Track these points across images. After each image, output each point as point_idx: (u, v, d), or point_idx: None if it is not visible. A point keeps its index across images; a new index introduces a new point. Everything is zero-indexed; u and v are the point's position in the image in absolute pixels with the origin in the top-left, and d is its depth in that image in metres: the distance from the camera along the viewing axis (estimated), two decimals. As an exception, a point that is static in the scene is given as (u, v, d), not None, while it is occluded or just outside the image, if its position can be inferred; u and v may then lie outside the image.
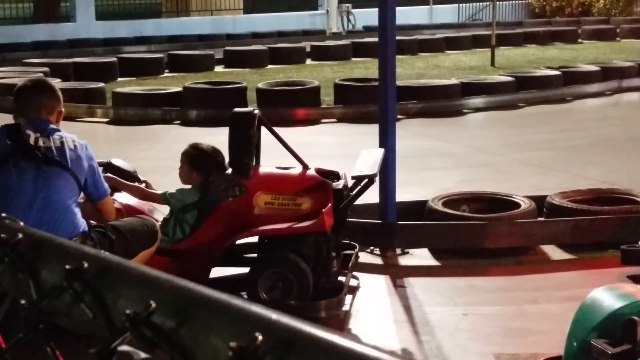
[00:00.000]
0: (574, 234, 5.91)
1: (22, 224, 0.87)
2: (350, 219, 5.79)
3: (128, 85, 14.02)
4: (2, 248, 0.78)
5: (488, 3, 23.17)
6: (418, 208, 6.34)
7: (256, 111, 4.90)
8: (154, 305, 0.67)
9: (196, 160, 4.86)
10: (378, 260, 5.86)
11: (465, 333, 4.63)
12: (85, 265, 0.73)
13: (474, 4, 29.65)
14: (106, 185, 4.26)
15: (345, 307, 4.87)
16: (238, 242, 4.90)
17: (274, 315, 0.64)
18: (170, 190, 4.81)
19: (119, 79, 15.49)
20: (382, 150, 5.62)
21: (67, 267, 0.73)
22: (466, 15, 29.58)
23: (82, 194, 4.13)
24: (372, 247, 5.98)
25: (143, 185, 4.88)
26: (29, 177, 3.93)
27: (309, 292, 4.62)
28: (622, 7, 29.27)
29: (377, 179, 4.99)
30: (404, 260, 5.87)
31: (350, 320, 4.82)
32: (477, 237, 5.88)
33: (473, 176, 8.16)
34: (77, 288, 0.73)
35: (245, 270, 4.87)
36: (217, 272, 4.98)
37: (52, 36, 21.18)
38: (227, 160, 4.86)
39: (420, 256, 5.93)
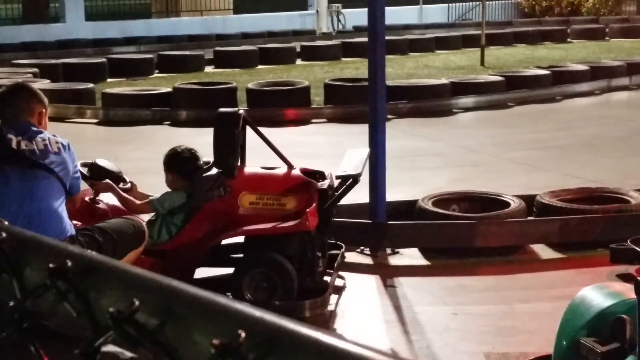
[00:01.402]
0: (564, 233, 5.92)
1: (6, 223, 0.87)
2: (340, 219, 5.80)
3: (118, 86, 13.98)
4: (-14, 247, 0.77)
5: (477, 3, 23.21)
6: (408, 208, 6.35)
7: (241, 111, 4.90)
8: (137, 303, 0.67)
9: (169, 161, 4.88)
10: (368, 260, 5.86)
11: (455, 332, 4.64)
12: (69, 263, 0.73)
13: (464, 3, 29.69)
14: (79, 183, 4.25)
15: (331, 307, 4.87)
16: (223, 242, 4.91)
17: (257, 313, 0.64)
18: (157, 196, 4.81)
19: (109, 80, 15.46)
20: (367, 150, 5.63)
21: (51, 265, 0.73)
22: (456, 15, 29.62)
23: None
24: (362, 247, 5.98)
25: (128, 186, 4.87)
26: (14, 182, 3.89)
27: (294, 292, 4.63)
28: (611, 6, 29.36)
29: (361, 178, 5.01)
30: (394, 260, 5.87)
31: (339, 320, 4.82)
32: (467, 236, 5.89)
33: (463, 176, 8.17)
34: (60, 287, 0.73)
35: (231, 270, 4.87)
36: (202, 272, 4.98)
37: (42, 37, 21.11)
38: (211, 160, 4.86)
39: (410, 256, 5.93)
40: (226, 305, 0.66)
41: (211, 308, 0.67)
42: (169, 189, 4.91)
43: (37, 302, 0.76)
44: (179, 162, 4.87)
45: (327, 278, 4.98)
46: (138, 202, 4.76)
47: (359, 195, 6.09)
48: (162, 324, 0.68)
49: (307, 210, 4.60)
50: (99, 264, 0.75)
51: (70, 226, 4.03)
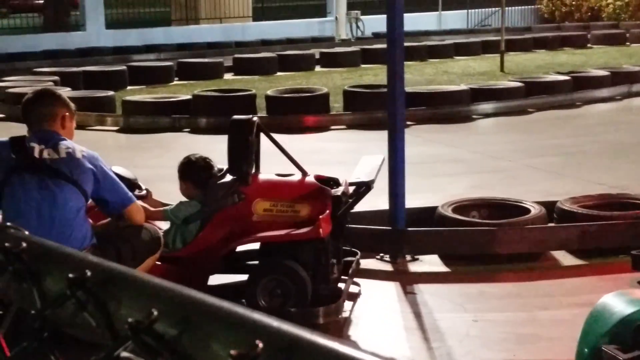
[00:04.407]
0: (584, 239, 5.88)
1: (26, 232, 0.87)
2: (359, 225, 5.80)
3: (138, 94, 14.05)
4: (7, 257, 0.78)
5: (497, 9, 23.17)
6: (428, 214, 6.33)
7: (255, 118, 4.91)
8: (155, 313, 0.67)
9: (184, 171, 4.91)
10: (387, 267, 5.85)
11: (476, 339, 4.61)
12: (88, 273, 0.73)
13: (483, 9, 29.63)
14: (129, 193, 4.24)
15: (346, 314, 4.86)
16: (238, 249, 4.93)
17: (274, 323, 0.64)
18: (171, 207, 4.84)
19: (129, 87, 15.53)
20: (382, 156, 5.62)
21: (70, 275, 0.73)
22: (475, 21, 29.56)
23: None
24: (381, 254, 5.97)
25: (144, 193, 4.89)
26: (34, 191, 3.91)
27: (307, 298, 4.63)
28: (632, 11, 29.18)
29: (374, 185, 5.01)
30: (413, 267, 5.86)
31: (353, 327, 4.80)
32: (487, 243, 5.86)
33: (483, 182, 8.15)
34: (80, 296, 0.73)
35: (245, 277, 4.88)
36: (217, 279, 4.99)
37: (62, 45, 21.25)
38: (225, 167, 4.88)
39: (430, 262, 5.91)
40: (244, 315, 0.66)
41: (229, 318, 0.67)
42: (184, 197, 4.94)
43: (57, 311, 0.77)
44: (193, 172, 4.89)
45: (342, 285, 4.98)
46: (152, 209, 4.78)
47: (378, 202, 6.09)
48: (180, 333, 0.68)
49: (320, 217, 4.60)
50: (118, 274, 0.75)
51: (91, 234, 4.05)
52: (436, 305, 5.10)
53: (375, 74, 16.67)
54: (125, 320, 0.69)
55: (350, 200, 4.97)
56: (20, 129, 4.36)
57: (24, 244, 0.81)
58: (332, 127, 11.74)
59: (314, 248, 4.72)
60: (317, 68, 18.90)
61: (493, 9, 28.19)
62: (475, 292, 5.36)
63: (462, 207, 6.34)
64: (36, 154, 3.97)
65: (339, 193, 4.85)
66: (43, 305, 0.78)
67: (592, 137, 10.62)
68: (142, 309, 0.70)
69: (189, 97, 12.56)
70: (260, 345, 0.63)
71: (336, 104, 12.57)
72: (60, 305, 0.76)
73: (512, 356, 4.40)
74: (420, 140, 10.02)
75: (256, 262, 5.05)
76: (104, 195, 4.09)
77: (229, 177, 4.85)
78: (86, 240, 4.02)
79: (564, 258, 5.96)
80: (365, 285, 5.34)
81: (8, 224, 0.90)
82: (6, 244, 0.79)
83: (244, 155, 4.75)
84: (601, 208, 6.26)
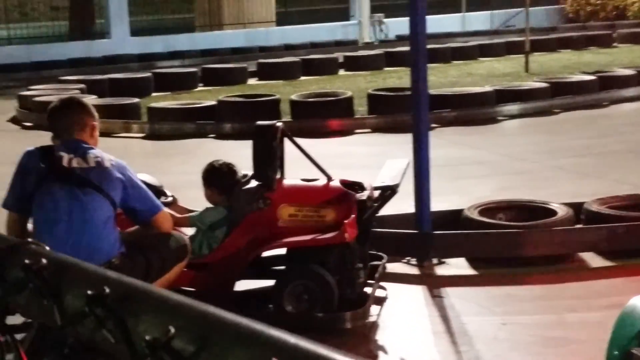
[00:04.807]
0: (613, 240, 5.83)
1: (47, 248, 0.87)
2: (385, 229, 5.78)
3: (163, 100, 14.11)
4: (27, 274, 0.78)
5: (521, 9, 23.05)
6: (454, 217, 6.31)
7: (279, 124, 4.92)
8: (172, 330, 0.67)
9: (208, 177, 4.94)
10: (414, 271, 5.83)
11: (504, 343, 4.59)
12: (107, 290, 0.73)
13: (507, 10, 29.48)
14: (157, 202, 4.26)
15: (372, 318, 4.85)
16: (264, 254, 4.94)
17: (292, 340, 0.63)
18: (196, 213, 4.86)
19: (154, 94, 15.61)
20: (406, 160, 5.60)
21: (89, 292, 0.73)
22: (499, 22, 29.42)
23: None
24: (408, 258, 5.95)
25: (170, 200, 4.91)
26: (64, 201, 3.93)
27: (334, 303, 4.63)
28: (658, 9, 28.92)
29: (399, 189, 4.99)
30: (440, 270, 5.84)
31: (381, 331, 4.79)
32: (514, 245, 5.83)
33: (509, 184, 8.10)
34: (99, 314, 0.73)
35: (271, 282, 4.89)
36: (244, 285, 5.00)
37: (88, 53, 21.44)
38: (250, 172, 4.90)
39: (457, 266, 5.88)
40: (261, 332, 0.66)
41: (247, 335, 0.66)
42: (209, 203, 4.96)
43: (77, 328, 0.76)
44: (217, 178, 4.92)
45: (368, 289, 4.97)
46: (178, 215, 4.80)
47: (404, 205, 6.07)
48: (198, 351, 0.67)
49: (346, 221, 4.60)
50: (136, 290, 0.75)
51: (120, 242, 4.06)
52: (463, 309, 5.08)
53: (399, 77, 16.64)
54: (143, 336, 0.68)
55: (376, 204, 4.96)
56: (48, 137, 4.38)
57: (44, 261, 0.80)
58: (357, 131, 11.73)
59: (340, 253, 4.72)
60: (341, 72, 18.91)
61: (517, 9, 28.03)
62: (503, 295, 5.33)
63: (489, 209, 6.31)
64: (65, 163, 3.99)
65: (364, 197, 4.85)
66: (62, 322, 0.78)
67: (619, 137, 10.53)
68: (160, 325, 0.70)
69: (213, 102, 12.60)
70: (278, 362, 0.62)
71: (360, 108, 12.56)
72: (80, 322, 0.76)
73: (541, 359, 4.37)
74: (445, 143, 9.98)
75: (282, 267, 5.06)
76: (133, 204, 4.11)
77: (254, 183, 4.86)
78: (115, 249, 4.03)
79: (592, 260, 5.90)
80: (392, 289, 5.32)
81: (29, 239, 0.90)
82: (26, 261, 0.79)
83: (268, 160, 4.77)
84: (629, 209, 6.21)
